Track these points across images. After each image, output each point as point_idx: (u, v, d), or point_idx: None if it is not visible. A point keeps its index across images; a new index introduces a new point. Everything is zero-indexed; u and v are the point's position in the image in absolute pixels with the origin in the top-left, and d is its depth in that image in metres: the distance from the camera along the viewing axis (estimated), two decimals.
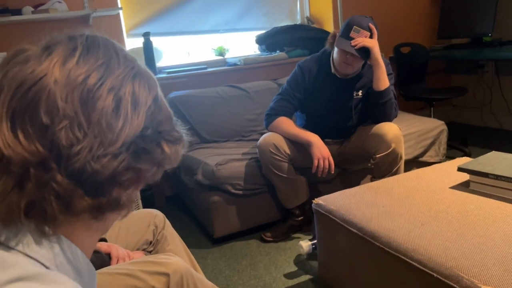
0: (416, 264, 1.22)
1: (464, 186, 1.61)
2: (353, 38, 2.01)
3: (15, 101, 0.45)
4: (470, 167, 1.58)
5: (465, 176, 1.63)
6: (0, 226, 0.46)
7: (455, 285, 1.10)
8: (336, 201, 1.63)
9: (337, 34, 2.10)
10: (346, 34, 2.04)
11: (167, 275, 1.14)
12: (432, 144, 2.69)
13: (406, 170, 2.59)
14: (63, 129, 0.45)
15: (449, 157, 3.22)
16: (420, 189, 1.64)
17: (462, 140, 3.44)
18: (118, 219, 0.57)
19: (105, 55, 0.50)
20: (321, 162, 2.05)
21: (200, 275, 1.26)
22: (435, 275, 1.16)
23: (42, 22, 2.61)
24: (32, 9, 2.47)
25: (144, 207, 2.37)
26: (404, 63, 3.51)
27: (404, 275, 1.28)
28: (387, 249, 1.32)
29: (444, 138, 2.72)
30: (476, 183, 1.56)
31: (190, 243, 2.34)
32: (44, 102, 0.45)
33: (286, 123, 2.17)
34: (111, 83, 0.49)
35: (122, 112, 0.49)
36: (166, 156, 0.55)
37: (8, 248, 0.46)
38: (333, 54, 2.17)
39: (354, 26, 2.02)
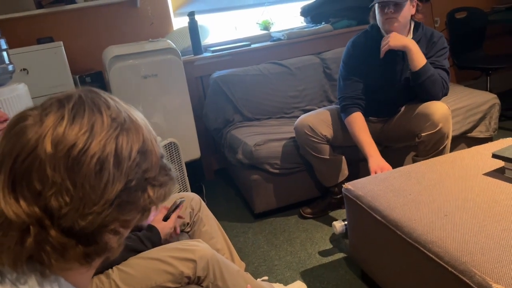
0: (433, 257, 1.24)
1: (498, 173, 1.56)
2: None
3: (14, 170, 0.54)
4: (506, 154, 1.53)
5: (501, 162, 1.58)
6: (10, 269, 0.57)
7: (468, 281, 1.12)
8: (364, 187, 1.66)
9: None
10: None
11: (194, 261, 1.26)
12: (482, 118, 2.57)
13: (453, 146, 2.51)
14: (52, 194, 0.53)
15: (507, 129, 3.07)
16: (452, 175, 1.62)
17: None
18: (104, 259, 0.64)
19: (89, 121, 0.56)
20: (379, 172, 1.98)
21: (226, 260, 1.36)
22: (449, 269, 1.18)
23: (94, 8, 2.77)
24: None
25: (193, 180, 2.50)
26: (459, 29, 3.31)
27: (423, 266, 1.31)
28: (408, 239, 1.35)
29: (496, 112, 2.58)
30: None
31: (234, 217, 2.49)
32: (36, 171, 0.54)
33: (358, 124, 2.12)
34: (93, 149, 0.55)
35: (104, 173, 0.55)
36: (151, 200, 0.61)
37: (16, 287, 0.56)
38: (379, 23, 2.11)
39: None
